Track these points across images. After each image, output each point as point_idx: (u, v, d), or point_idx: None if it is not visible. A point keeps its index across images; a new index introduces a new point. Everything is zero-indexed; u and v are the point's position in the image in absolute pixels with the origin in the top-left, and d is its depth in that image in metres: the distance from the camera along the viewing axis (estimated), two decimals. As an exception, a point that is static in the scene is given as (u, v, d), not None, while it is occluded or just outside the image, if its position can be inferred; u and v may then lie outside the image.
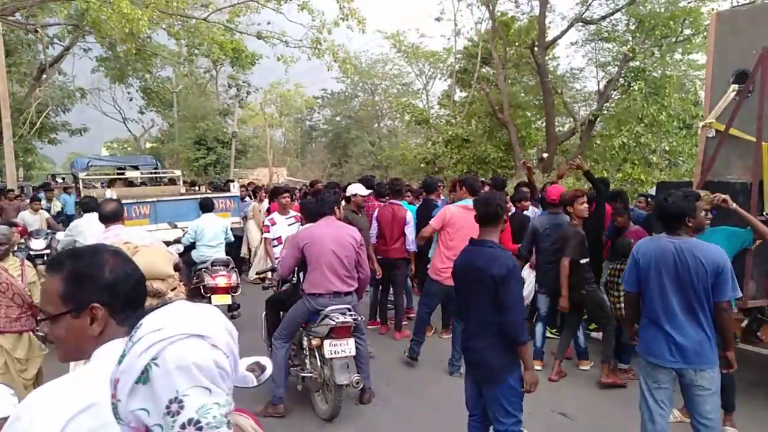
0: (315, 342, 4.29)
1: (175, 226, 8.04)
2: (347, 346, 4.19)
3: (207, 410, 1.02)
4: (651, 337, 3.13)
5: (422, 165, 17.08)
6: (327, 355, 4.15)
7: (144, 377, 1.02)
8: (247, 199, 10.55)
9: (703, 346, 3.04)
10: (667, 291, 3.03)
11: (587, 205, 4.98)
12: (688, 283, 3.00)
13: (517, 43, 16.69)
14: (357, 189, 5.88)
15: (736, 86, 4.67)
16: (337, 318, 4.16)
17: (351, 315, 4.26)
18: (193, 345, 1.04)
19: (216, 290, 6.44)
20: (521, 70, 17.98)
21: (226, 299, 6.51)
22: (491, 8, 15.71)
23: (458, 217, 5.10)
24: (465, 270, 3.14)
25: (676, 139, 12.96)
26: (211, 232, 6.85)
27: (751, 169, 4.53)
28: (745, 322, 5.71)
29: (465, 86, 18.97)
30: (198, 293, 6.45)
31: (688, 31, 13.66)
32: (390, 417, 4.48)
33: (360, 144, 30.50)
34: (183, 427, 1.01)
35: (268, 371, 1.70)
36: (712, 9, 11.23)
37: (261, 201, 9.85)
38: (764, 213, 4.47)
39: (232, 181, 11.97)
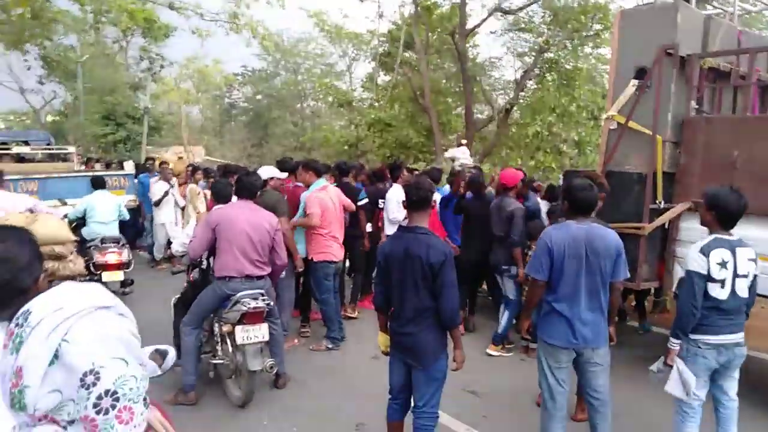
0: (226, 328, 4.17)
1: (65, 203, 7.82)
2: (260, 332, 4.11)
3: (124, 381, 1.00)
4: (555, 321, 3.23)
5: (345, 148, 17.01)
6: (239, 341, 4.05)
7: (54, 357, 0.97)
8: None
9: (601, 326, 3.26)
10: (580, 276, 3.15)
11: None
12: (596, 268, 3.17)
13: (439, 29, 16.88)
14: (273, 172, 5.74)
15: (636, 81, 4.97)
16: (249, 303, 4.06)
17: (264, 300, 4.16)
18: (104, 316, 1.02)
19: (106, 267, 6.43)
20: (443, 57, 18.24)
21: (118, 275, 6.54)
22: (414, -8, 15.77)
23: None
24: (398, 257, 3.12)
25: (586, 129, 13.68)
26: (102, 209, 6.89)
27: (647, 161, 4.86)
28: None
29: (388, 70, 19.00)
30: (87, 271, 6.18)
31: (597, 26, 14.38)
32: (306, 401, 4.46)
33: (282, 124, 29.88)
34: (99, 398, 0.98)
35: (171, 358, 1.69)
36: (620, 6, 11.88)
37: (197, 182, 9.51)
38: (656, 202, 4.83)
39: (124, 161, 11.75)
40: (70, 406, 0.99)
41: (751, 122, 4.75)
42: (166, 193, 8.80)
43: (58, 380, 0.98)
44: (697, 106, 4.97)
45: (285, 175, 6.02)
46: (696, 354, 3.14)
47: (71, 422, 1.00)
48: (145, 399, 1.03)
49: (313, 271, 5.55)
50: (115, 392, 0.99)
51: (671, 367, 3.25)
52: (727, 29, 5.14)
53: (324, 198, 5.50)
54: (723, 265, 3.05)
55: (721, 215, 3.13)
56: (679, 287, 5.21)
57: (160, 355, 1.68)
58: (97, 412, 0.98)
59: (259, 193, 5.52)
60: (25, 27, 18.62)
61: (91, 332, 0.99)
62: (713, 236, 3.14)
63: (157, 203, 8.81)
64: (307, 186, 5.64)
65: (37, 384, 0.98)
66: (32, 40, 21.05)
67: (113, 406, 0.99)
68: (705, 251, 3.08)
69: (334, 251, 5.56)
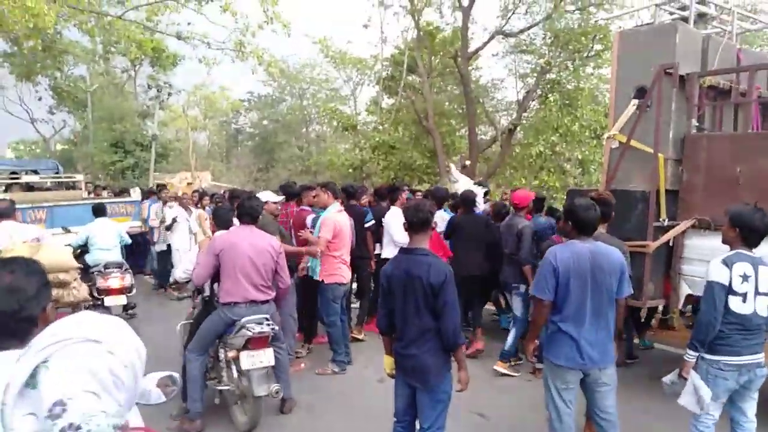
0: (231, 354, 4.15)
1: (69, 231, 7.89)
2: (265, 357, 4.09)
3: (91, 416, 0.96)
4: (561, 342, 3.20)
5: (350, 171, 17.11)
6: (245, 366, 4.03)
7: (33, 381, 0.96)
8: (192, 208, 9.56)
9: (608, 346, 3.24)
10: (586, 296, 3.13)
11: None
12: (603, 286, 3.15)
13: (441, 53, 17.08)
14: (268, 196, 5.81)
15: (636, 101, 5.00)
16: (254, 328, 4.05)
17: (269, 324, 4.16)
18: (87, 349, 1.00)
19: (109, 292, 6.54)
20: (446, 80, 18.42)
21: (121, 299, 6.64)
22: (416, 18, 16.00)
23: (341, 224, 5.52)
24: (399, 279, 3.13)
25: (588, 148, 13.72)
26: (104, 236, 7.03)
27: (649, 179, 4.87)
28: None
29: (392, 94, 19.19)
30: (90, 296, 6.25)
31: (598, 47, 14.52)
32: (312, 425, 4.43)
33: (287, 149, 30.07)
34: (62, 430, 0.95)
35: (178, 385, 1.68)
36: (620, 27, 12.01)
37: (204, 208, 9.43)
38: (660, 219, 4.82)
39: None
40: None
41: (752, 139, 4.76)
42: (175, 219, 8.80)
43: (35, 405, 0.97)
44: (697, 124, 4.99)
45: (281, 198, 6.07)
46: (717, 376, 3.09)
47: None
48: None
49: (322, 293, 5.56)
50: (79, 427, 0.97)
51: (685, 379, 3.20)
52: (726, 47, 5.18)
53: (341, 220, 5.56)
54: (745, 278, 3.04)
55: (746, 233, 3.14)
56: (686, 305, 5.20)
57: (172, 382, 1.66)
58: None
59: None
60: (36, 59, 19.09)
61: (68, 362, 0.98)
62: (736, 251, 3.14)
63: (169, 228, 8.83)
64: (324, 207, 5.67)
65: (10, 403, 0.98)
66: (43, 72, 21.53)
67: None
68: (728, 263, 3.08)
69: (344, 273, 5.58)
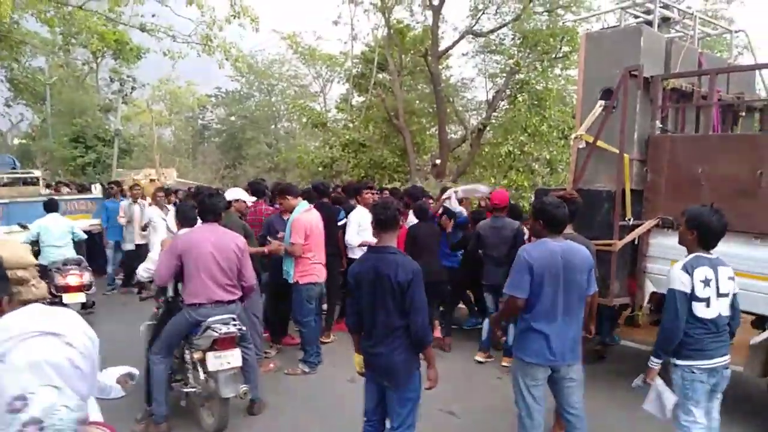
0: (197, 355, 4.07)
1: (26, 227, 7.66)
2: (233, 358, 4.02)
3: (53, 410, 0.96)
4: (531, 339, 3.24)
5: (320, 168, 16.98)
6: (211, 368, 3.96)
7: None
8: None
9: (576, 343, 3.31)
10: (558, 294, 3.17)
11: None
12: (574, 284, 3.20)
13: (412, 51, 17.11)
14: (239, 194, 5.71)
15: (602, 102, 5.10)
16: (220, 329, 3.97)
17: (235, 325, 4.08)
18: (45, 342, 1.00)
19: (68, 289, 6.45)
20: (416, 78, 18.45)
21: (79, 297, 6.55)
22: (387, 16, 15.99)
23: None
24: (368, 277, 3.11)
25: (556, 148, 13.92)
26: (56, 232, 7.05)
27: (615, 179, 4.97)
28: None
29: (362, 91, 19.14)
30: (48, 293, 6.07)
31: (566, 48, 14.76)
32: (281, 427, 4.39)
33: (256, 145, 29.72)
34: (25, 425, 0.95)
35: (135, 378, 1.74)
36: (587, 29, 12.25)
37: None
38: (626, 219, 4.93)
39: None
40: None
41: (713, 141, 4.90)
42: (149, 222, 8.29)
43: None
44: (661, 125, 5.12)
45: (253, 199, 5.97)
46: (693, 380, 3.05)
47: None
48: (76, 429, 1.01)
49: (296, 293, 5.49)
50: (41, 421, 0.96)
51: (650, 385, 3.21)
52: (688, 51, 5.33)
53: (310, 220, 5.44)
54: (706, 283, 3.00)
55: (704, 235, 3.07)
56: (650, 302, 5.33)
57: (129, 378, 1.69)
58: None
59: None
60: (-9, 49, 18.33)
61: (27, 356, 0.98)
62: (695, 254, 3.09)
63: (144, 228, 8.38)
64: (290, 210, 5.55)
65: None
66: (-1, 62, 20.72)
67: None
68: (688, 269, 3.02)
69: (318, 272, 5.52)
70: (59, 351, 1.01)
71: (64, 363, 1.01)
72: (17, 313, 1.08)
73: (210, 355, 3.99)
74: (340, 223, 6.37)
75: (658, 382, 3.18)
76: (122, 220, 8.80)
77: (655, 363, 3.18)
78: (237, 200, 5.62)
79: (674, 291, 3.04)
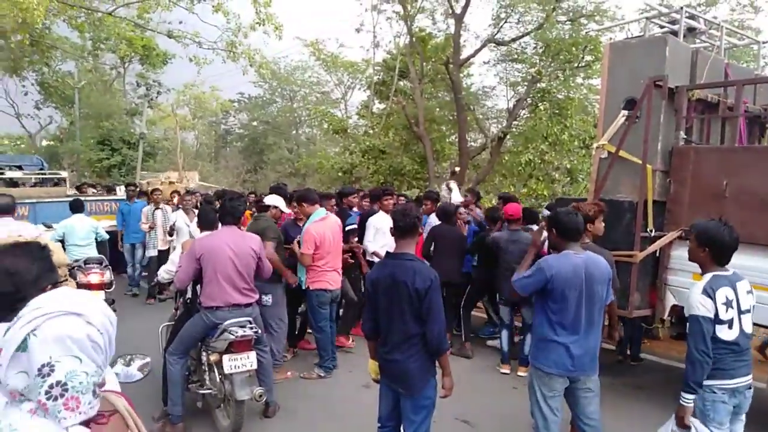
0: (214, 357, 4.09)
1: (51, 227, 7.78)
2: (248, 360, 4.04)
3: (75, 375, 1.19)
4: (552, 349, 3.21)
5: (339, 174, 17.06)
6: (227, 370, 3.98)
7: (23, 345, 1.17)
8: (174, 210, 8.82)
9: (596, 353, 3.28)
10: (581, 306, 3.15)
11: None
12: (596, 296, 3.18)
13: (433, 59, 17.12)
14: (278, 202, 5.70)
15: (625, 112, 5.04)
16: (237, 332, 3.99)
17: (251, 328, 4.10)
18: (69, 320, 1.21)
19: (89, 287, 6.55)
20: (437, 86, 18.46)
21: (100, 295, 6.53)
22: (409, 24, 16.05)
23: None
24: (385, 283, 3.11)
25: (577, 157, 13.82)
26: (80, 232, 7.29)
27: (637, 189, 4.90)
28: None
29: (383, 98, 19.21)
30: None
31: (589, 58, 14.63)
32: (295, 430, 4.38)
33: (277, 150, 29.99)
34: (51, 387, 1.18)
35: (148, 366, 2.02)
36: (610, 39, 12.13)
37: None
38: (647, 230, 4.85)
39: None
40: (29, 391, 1.19)
41: (739, 152, 4.81)
42: (173, 227, 8.08)
43: (25, 365, 1.19)
44: (685, 137, 5.04)
45: (288, 210, 6.00)
46: (715, 401, 2.88)
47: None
48: (94, 392, 1.25)
49: (308, 299, 5.51)
50: (65, 384, 1.19)
51: (687, 428, 2.90)
52: (714, 62, 5.25)
53: (322, 230, 5.38)
54: (729, 304, 2.86)
55: (718, 252, 2.94)
56: (671, 315, 5.23)
57: (146, 365, 1.98)
58: (48, 398, 1.18)
59: (257, 218, 5.50)
60: (24, 53, 18.84)
61: (54, 331, 1.19)
62: (712, 274, 2.93)
63: (171, 232, 8.17)
64: (307, 216, 5.53)
65: (5, 364, 1.19)
66: (30, 67, 21.27)
67: (62, 395, 1.19)
68: (709, 292, 2.86)
69: (330, 279, 5.48)
70: (80, 328, 1.22)
71: (83, 338, 1.22)
72: (47, 295, 1.28)
73: (226, 358, 4.01)
74: (347, 228, 6.30)
75: (696, 423, 2.89)
76: (144, 227, 8.61)
77: (687, 400, 2.89)
78: (275, 207, 5.65)
79: (697, 317, 2.86)
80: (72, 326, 1.20)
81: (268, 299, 5.16)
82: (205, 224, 4.54)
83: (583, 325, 3.18)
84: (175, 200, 9.39)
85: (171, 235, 8.24)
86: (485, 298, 6.96)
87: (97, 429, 1.26)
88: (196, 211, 8.00)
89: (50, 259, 1.62)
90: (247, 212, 6.89)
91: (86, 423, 1.23)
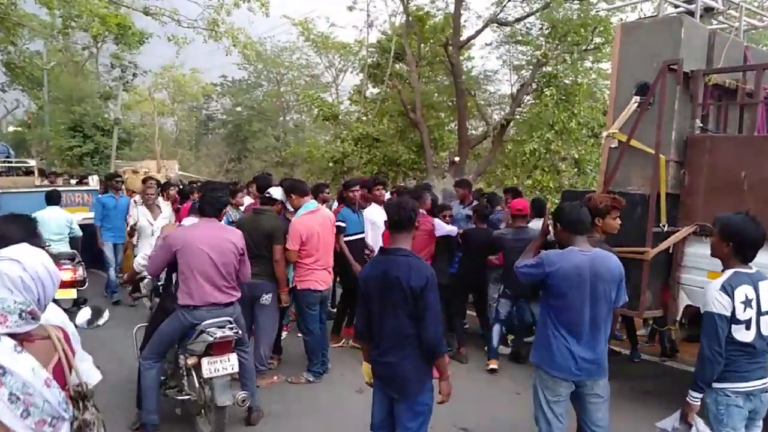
0: (191, 361, 4.05)
1: None
2: (229, 363, 4.01)
3: (4, 300, 1.68)
4: (555, 351, 3.21)
5: (330, 164, 17.02)
6: (206, 374, 3.95)
7: None
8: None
9: (603, 358, 3.27)
10: (585, 307, 3.14)
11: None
12: (602, 297, 3.17)
13: (431, 41, 17.07)
14: (279, 195, 5.60)
15: (637, 98, 5.03)
16: (216, 333, 3.95)
17: (231, 328, 4.06)
18: (8, 264, 1.75)
19: (60, 284, 6.31)
20: (435, 69, 18.40)
21: (71, 293, 6.61)
22: (405, 1, 15.98)
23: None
24: (378, 280, 3.08)
25: (585, 147, 13.83)
26: (53, 226, 7.19)
27: (649, 181, 4.90)
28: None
29: (377, 82, 19.13)
30: None
31: (598, 40, 14.61)
32: (280, 439, 4.38)
33: (263, 138, 29.90)
34: None
35: (104, 319, 2.69)
36: (621, 19, 12.12)
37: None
38: (660, 225, 4.85)
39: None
40: None
41: (758, 142, 4.81)
42: (134, 226, 7.64)
43: None
44: (701, 125, 5.04)
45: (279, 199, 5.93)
46: (729, 404, 2.91)
47: None
48: (20, 314, 1.68)
49: (296, 300, 5.50)
50: None
51: (690, 425, 2.97)
52: (733, 44, 5.24)
53: (309, 224, 5.32)
54: (748, 303, 2.86)
55: (741, 247, 2.93)
56: (684, 316, 5.24)
57: (95, 321, 2.65)
58: None
59: (259, 212, 5.40)
60: (-13, 31, 18.61)
61: None
62: (733, 270, 2.93)
63: (131, 233, 7.77)
64: (296, 209, 5.47)
65: None
66: (-6, 45, 21.02)
67: None
68: (728, 289, 2.86)
69: (318, 278, 5.41)
70: (15, 270, 1.74)
71: (16, 277, 1.74)
72: (10, 247, 1.82)
73: (204, 361, 3.97)
74: (336, 224, 6.20)
75: (699, 422, 2.95)
76: (130, 220, 7.85)
77: (695, 398, 2.97)
78: (283, 203, 5.57)
79: (713, 314, 2.88)
80: (9, 268, 1.74)
81: (267, 298, 5.15)
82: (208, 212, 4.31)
83: (588, 327, 3.17)
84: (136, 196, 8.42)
85: (132, 236, 7.79)
86: (470, 300, 6.93)
87: (27, 346, 1.69)
88: (164, 206, 7.86)
89: (36, 228, 2.36)
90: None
91: (14, 336, 1.66)
